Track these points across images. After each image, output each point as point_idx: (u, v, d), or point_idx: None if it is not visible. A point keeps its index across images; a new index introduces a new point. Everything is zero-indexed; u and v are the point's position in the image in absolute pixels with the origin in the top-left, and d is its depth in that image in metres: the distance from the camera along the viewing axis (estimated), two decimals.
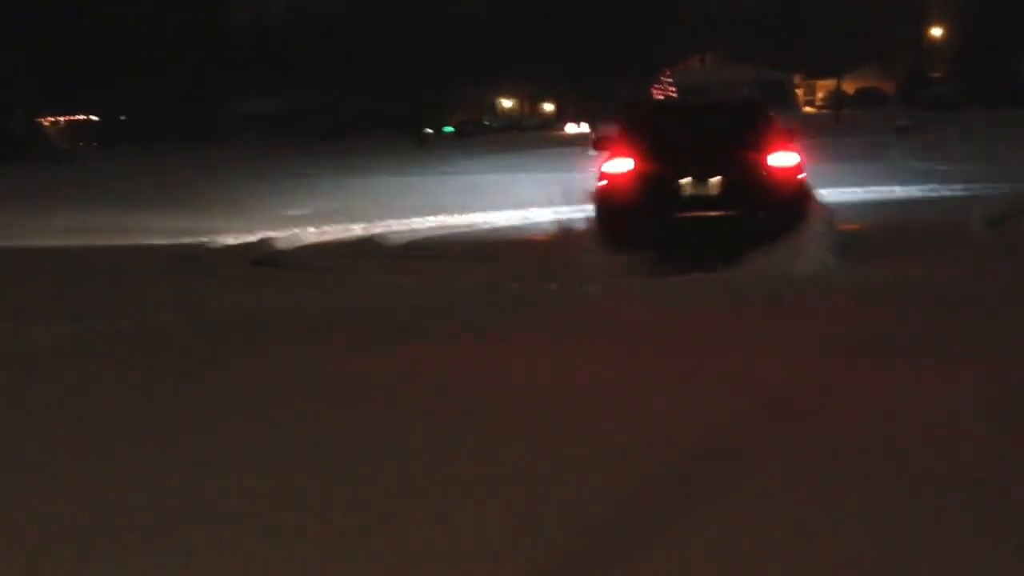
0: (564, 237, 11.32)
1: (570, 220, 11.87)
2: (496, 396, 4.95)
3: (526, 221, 16.24)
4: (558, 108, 69.07)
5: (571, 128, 60.99)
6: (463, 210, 18.35)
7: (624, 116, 11.85)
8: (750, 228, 9.96)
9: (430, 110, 66.42)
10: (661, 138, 10.83)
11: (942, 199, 17.96)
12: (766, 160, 10.32)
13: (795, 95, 78.08)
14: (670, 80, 61.06)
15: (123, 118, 64.70)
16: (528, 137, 56.23)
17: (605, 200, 10.47)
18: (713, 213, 10.26)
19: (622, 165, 10.41)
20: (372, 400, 4.97)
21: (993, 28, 62.65)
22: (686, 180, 10.28)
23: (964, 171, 22.19)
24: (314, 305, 8.47)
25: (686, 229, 10.19)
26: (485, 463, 3.90)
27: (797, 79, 77.37)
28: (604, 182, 10.46)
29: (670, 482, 3.71)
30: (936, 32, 71.62)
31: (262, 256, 12.84)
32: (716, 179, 10.28)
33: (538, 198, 17.07)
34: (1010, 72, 61.49)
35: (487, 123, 71.12)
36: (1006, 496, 3.47)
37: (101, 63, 60.26)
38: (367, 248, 13.83)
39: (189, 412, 4.80)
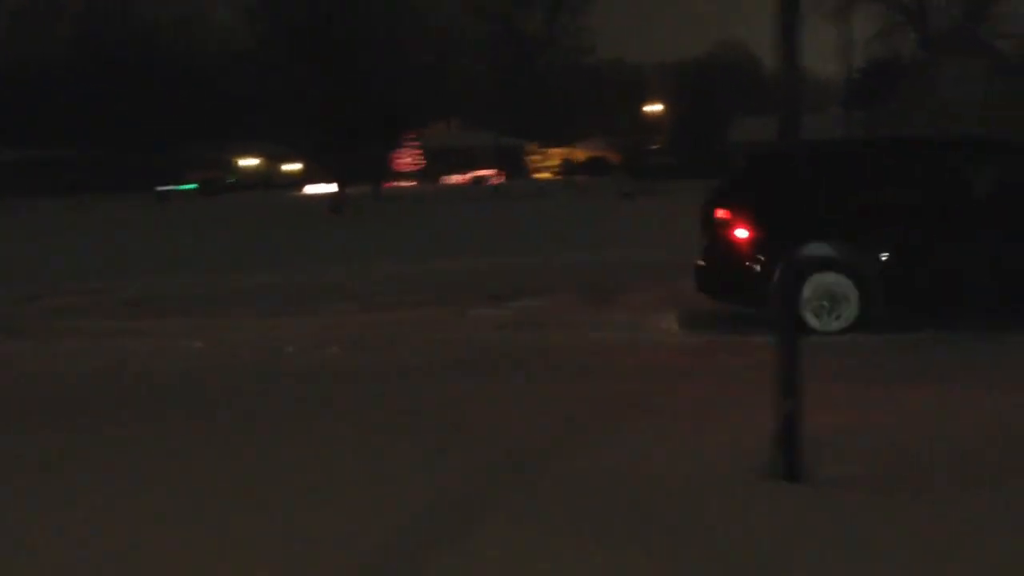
0: None
1: None
2: None
3: None
4: (305, 168, 69.36)
5: (314, 188, 60.78)
6: None
7: None
8: None
9: (166, 166, 64.95)
10: None
11: None
12: None
13: (525, 161, 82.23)
14: (416, 143, 62.94)
15: None
16: (272, 196, 55.90)
17: None
18: None
19: None
20: None
21: (702, 107, 68.86)
22: None
23: None
24: None
25: None
26: None
27: (533, 146, 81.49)
28: None
29: None
30: (655, 108, 77.65)
31: None
32: None
33: None
34: (716, 145, 67.63)
35: (231, 181, 70.18)
36: None
37: None
38: None
39: None
